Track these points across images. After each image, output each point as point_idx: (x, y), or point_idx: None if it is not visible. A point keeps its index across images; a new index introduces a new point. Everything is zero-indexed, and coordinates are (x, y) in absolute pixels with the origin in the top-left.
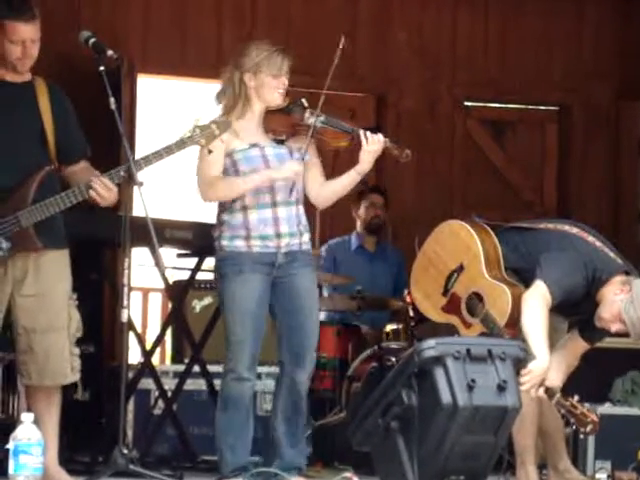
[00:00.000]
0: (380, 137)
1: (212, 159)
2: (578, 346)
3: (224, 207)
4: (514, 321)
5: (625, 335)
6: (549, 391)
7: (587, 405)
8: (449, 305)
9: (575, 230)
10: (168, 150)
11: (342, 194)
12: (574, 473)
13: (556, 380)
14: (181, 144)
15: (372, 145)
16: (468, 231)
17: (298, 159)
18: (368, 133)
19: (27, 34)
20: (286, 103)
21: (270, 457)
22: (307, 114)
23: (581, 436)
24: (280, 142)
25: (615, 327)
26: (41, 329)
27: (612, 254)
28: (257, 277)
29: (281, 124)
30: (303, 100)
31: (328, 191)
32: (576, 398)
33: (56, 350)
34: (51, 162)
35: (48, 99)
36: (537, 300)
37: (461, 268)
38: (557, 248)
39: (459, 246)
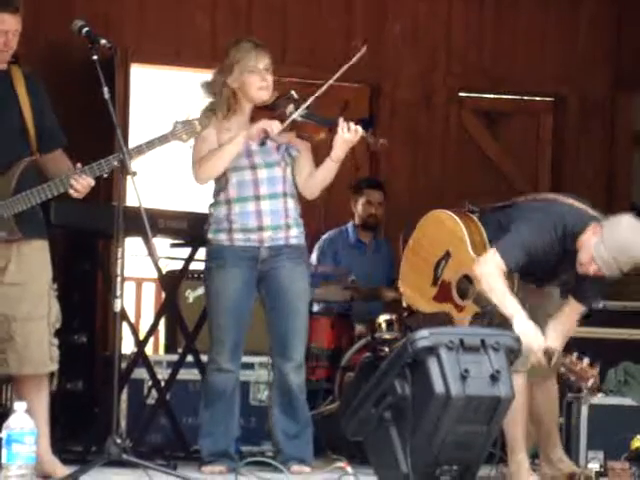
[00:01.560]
0: (358, 128)
1: (205, 144)
2: (573, 308)
3: (213, 200)
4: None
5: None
6: (548, 350)
7: (587, 360)
8: (440, 293)
9: (551, 196)
10: (150, 145)
11: (326, 183)
12: (567, 463)
13: (555, 340)
14: (163, 139)
15: (347, 134)
16: (451, 218)
17: (248, 157)
18: (346, 122)
19: (12, 25)
20: (273, 98)
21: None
22: (289, 108)
23: (585, 392)
24: (267, 137)
25: (592, 269)
26: (22, 317)
27: (590, 210)
28: (239, 271)
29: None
30: (293, 92)
31: (312, 183)
32: (575, 355)
33: (36, 339)
34: (32, 152)
35: (25, 88)
36: (493, 272)
37: (448, 255)
38: (528, 215)
39: (444, 234)
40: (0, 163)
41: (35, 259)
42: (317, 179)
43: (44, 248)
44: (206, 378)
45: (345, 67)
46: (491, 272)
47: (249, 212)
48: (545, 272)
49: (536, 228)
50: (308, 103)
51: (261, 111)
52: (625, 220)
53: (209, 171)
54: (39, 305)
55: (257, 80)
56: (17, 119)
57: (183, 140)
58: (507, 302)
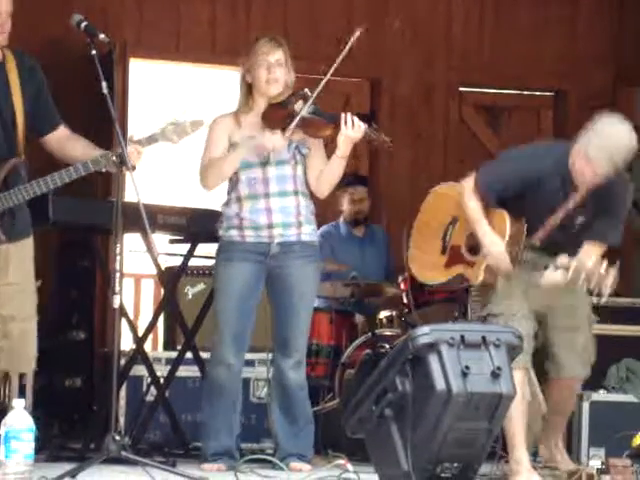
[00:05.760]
0: (361, 124)
1: (213, 148)
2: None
3: (226, 199)
4: (515, 239)
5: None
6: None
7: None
8: (451, 259)
9: None
10: (138, 143)
11: (335, 181)
12: (566, 460)
13: (585, 256)
14: (152, 139)
15: (350, 131)
16: (452, 186)
17: (280, 135)
18: (349, 118)
19: (2, 6)
20: (286, 95)
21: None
22: (298, 105)
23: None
24: (268, 154)
25: (587, 171)
26: (20, 317)
27: None
28: (246, 265)
29: (275, 118)
30: (306, 90)
31: (321, 181)
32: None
33: (31, 337)
34: (19, 153)
35: (18, 75)
36: (466, 194)
37: (455, 220)
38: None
39: (448, 204)
40: None
41: (28, 257)
42: (326, 177)
43: (31, 246)
44: (207, 373)
45: (348, 47)
46: (464, 191)
47: (259, 209)
48: (548, 214)
49: (524, 156)
50: (312, 98)
51: (273, 108)
52: (607, 115)
53: (211, 183)
54: (33, 303)
55: (265, 73)
56: (9, 115)
57: (174, 142)
58: (480, 228)
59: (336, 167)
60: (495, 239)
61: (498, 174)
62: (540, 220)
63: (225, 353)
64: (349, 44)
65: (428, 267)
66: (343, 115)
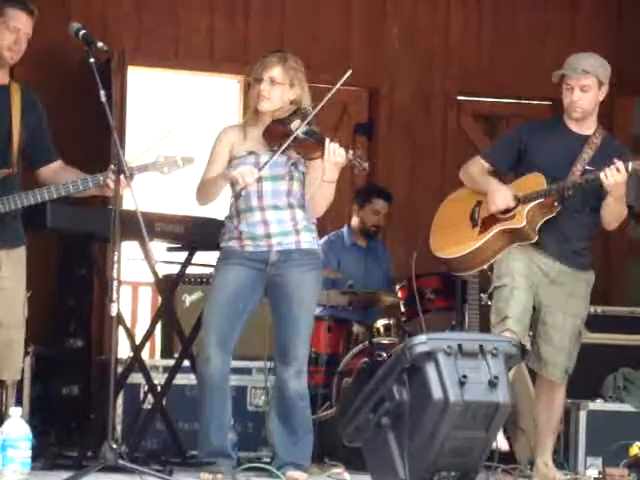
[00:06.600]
0: (342, 152)
1: (213, 163)
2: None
3: (227, 212)
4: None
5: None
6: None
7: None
8: (484, 226)
9: None
10: (130, 171)
11: (328, 202)
12: (551, 468)
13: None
14: (143, 169)
15: (332, 158)
16: (464, 187)
17: (256, 168)
18: (332, 147)
19: (25, 26)
20: (290, 112)
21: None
22: (294, 124)
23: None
24: (242, 188)
25: (575, 92)
26: (6, 323)
27: None
28: (242, 269)
29: (274, 135)
30: (309, 108)
31: (314, 204)
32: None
33: (17, 345)
34: (11, 165)
35: (20, 103)
36: (468, 162)
37: (479, 203)
38: None
39: (466, 196)
40: None
41: (19, 266)
42: (316, 200)
43: (23, 254)
44: (197, 373)
45: (337, 86)
46: (467, 164)
47: (256, 222)
48: (564, 168)
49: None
50: (308, 120)
51: (275, 124)
52: None
53: (201, 202)
54: (22, 311)
55: (258, 87)
56: (4, 125)
57: (164, 173)
58: (480, 179)
59: (326, 190)
60: (500, 187)
61: (498, 141)
62: (555, 165)
63: (210, 353)
64: (338, 84)
65: (460, 242)
66: (327, 141)
